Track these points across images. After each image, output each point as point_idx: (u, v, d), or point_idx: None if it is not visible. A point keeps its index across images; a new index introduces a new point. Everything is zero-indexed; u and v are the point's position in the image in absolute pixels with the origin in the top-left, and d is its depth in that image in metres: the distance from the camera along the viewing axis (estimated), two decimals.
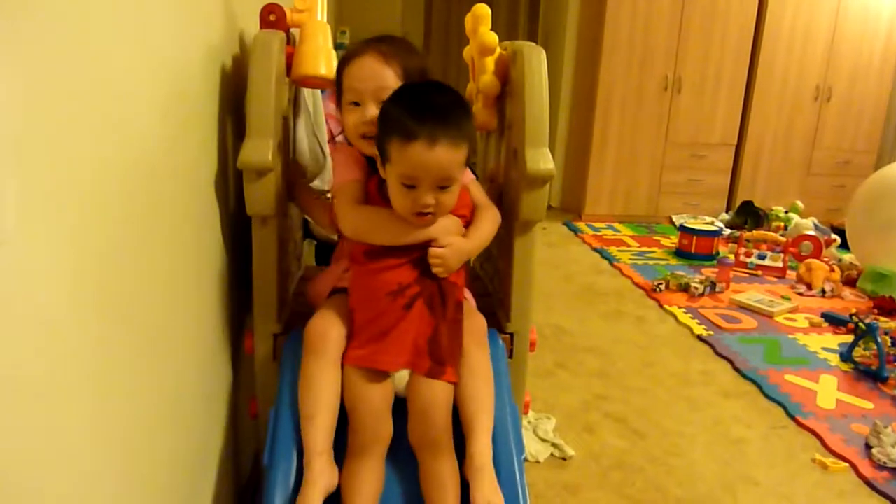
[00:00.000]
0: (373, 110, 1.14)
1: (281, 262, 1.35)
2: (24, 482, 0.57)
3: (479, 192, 1.27)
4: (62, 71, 0.63)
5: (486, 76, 1.39)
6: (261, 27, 1.31)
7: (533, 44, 1.32)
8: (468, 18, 1.45)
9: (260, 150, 1.16)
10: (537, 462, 1.85)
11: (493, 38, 1.39)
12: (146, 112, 0.88)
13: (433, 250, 1.10)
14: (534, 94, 1.26)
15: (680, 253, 4.05)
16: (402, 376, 1.12)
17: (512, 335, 1.39)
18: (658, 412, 2.18)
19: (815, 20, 4.78)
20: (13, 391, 0.55)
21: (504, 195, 1.40)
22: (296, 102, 1.55)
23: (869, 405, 2.26)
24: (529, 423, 2.00)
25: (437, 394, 1.09)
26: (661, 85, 4.73)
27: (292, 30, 1.39)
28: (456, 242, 1.12)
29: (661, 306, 3.17)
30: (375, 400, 1.10)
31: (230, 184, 1.35)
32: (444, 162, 1.03)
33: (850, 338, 2.70)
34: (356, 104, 1.17)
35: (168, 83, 0.96)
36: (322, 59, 1.33)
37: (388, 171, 1.08)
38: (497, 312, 1.45)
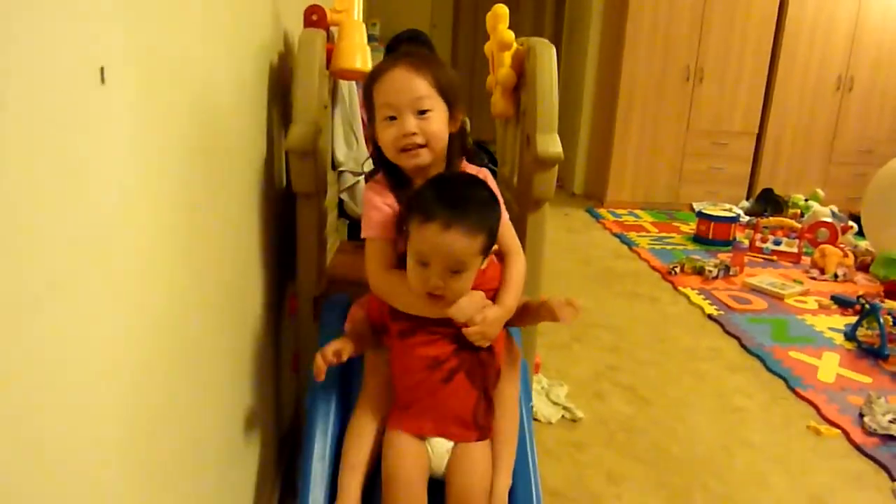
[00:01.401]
0: (411, 122, 1.13)
1: (320, 234, 1.53)
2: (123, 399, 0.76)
3: (510, 235, 1.24)
4: (174, 65, 0.82)
5: (503, 69, 1.56)
6: (304, 26, 1.49)
7: (545, 40, 1.48)
8: (489, 17, 1.62)
9: (304, 135, 1.35)
10: (549, 423, 2.02)
11: (510, 35, 1.55)
12: (221, 96, 1.06)
13: (468, 331, 1.10)
14: (544, 86, 1.42)
15: (698, 239, 4.17)
16: (440, 451, 1.14)
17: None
18: (665, 382, 2.34)
19: (837, 10, 4.83)
20: (119, 310, 0.74)
21: (518, 176, 1.57)
22: (334, 93, 1.73)
23: (868, 380, 2.39)
24: (543, 388, 2.17)
25: (477, 458, 1.13)
26: (683, 75, 4.83)
27: (332, 28, 1.56)
28: (488, 316, 1.11)
29: (675, 288, 3.31)
30: (413, 471, 1.11)
31: (274, 164, 1.54)
32: (455, 247, 1.03)
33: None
34: (392, 118, 1.14)
35: (231, 75, 1.14)
36: (358, 54, 1.51)
37: (408, 246, 1.09)
38: None
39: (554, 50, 1.44)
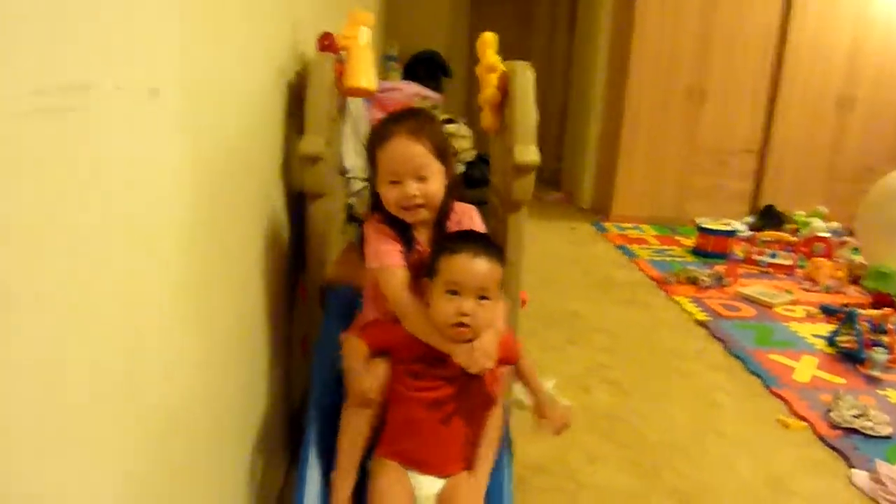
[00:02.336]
0: (412, 186, 1.27)
1: (328, 231, 1.75)
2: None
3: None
4: (217, 84, 1.04)
5: (489, 89, 1.77)
6: (317, 50, 1.72)
7: (525, 63, 1.68)
8: (478, 43, 1.83)
9: (314, 142, 1.57)
10: None
11: (496, 58, 1.76)
12: (243, 106, 1.29)
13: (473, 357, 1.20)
14: (523, 102, 1.63)
15: (697, 252, 4.33)
16: (428, 491, 1.21)
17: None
18: (648, 378, 2.52)
19: (838, 30, 5.00)
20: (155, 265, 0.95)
21: (501, 182, 1.78)
22: (343, 108, 1.96)
23: (842, 381, 2.55)
24: None
25: (466, 490, 1.22)
26: (687, 93, 5.02)
27: (341, 52, 1.79)
28: (484, 342, 1.22)
29: (669, 296, 3.48)
30: (402, 500, 1.19)
31: (290, 169, 1.76)
32: (484, 271, 1.19)
33: None
34: (395, 182, 1.28)
35: (254, 91, 1.37)
36: (363, 75, 1.73)
37: (434, 283, 1.22)
38: None
39: (531, 72, 1.64)
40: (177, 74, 0.92)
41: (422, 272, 1.29)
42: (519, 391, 2.17)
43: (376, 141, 1.31)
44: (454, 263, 1.20)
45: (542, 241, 4.63)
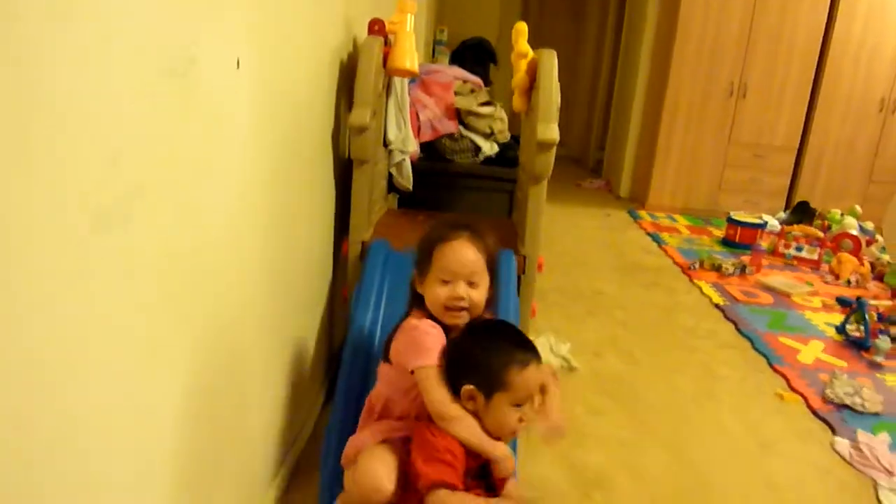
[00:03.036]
0: (463, 288, 1.31)
1: (370, 194, 2.00)
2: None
3: None
4: (284, 61, 1.29)
5: (519, 74, 1.99)
6: (368, 33, 1.96)
7: (551, 51, 1.90)
8: (513, 32, 2.05)
9: (362, 115, 1.81)
10: None
11: (527, 46, 1.98)
12: (303, 83, 1.54)
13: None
14: (546, 86, 1.84)
15: (726, 242, 4.47)
16: None
17: (525, 257, 1.98)
18: (659, 351, 2.71)
19: (884, 32, 5.02)
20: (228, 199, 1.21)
21: (523, 154, 1.99)
22: (389, 88, 2.20)
23: (843, 364, 2.70)
24: (550, 343, 2.57)
25: None
26: (728, 89, 5.12)
27: (389, 35, 2.02)
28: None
29: (691, 281, 3.64)
30: None
31: (340, 138, 2.01)
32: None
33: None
34: (446, 282, 1.31)
35: (311, 68, 1.62)
36: (408, 58, 1.97)
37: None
38: (516, 241, 2.05)
39: (555, 58, 1.86)
40: (255, 49, 1.17)
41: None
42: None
43: (436, 240, 1.34)
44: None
45: (580, 226, 4.83)
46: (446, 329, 1.32)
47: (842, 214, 4.97)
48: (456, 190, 2.67)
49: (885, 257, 4.19)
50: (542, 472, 1.83)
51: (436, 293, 1.31)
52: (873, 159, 5.32)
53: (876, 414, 2.30)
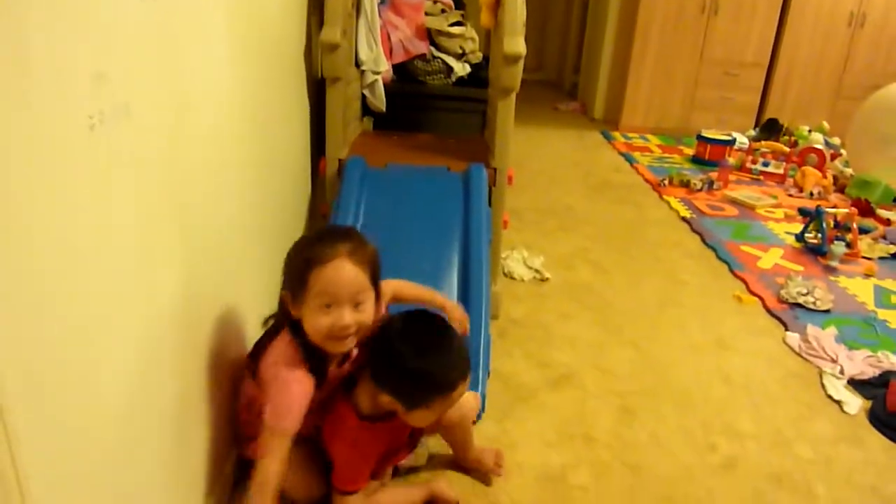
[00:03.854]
0: (349, 315, 1.18)
1: (344, 113, 2.06)
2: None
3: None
4: None
5: None
6: None
7: None
8: None
9: (332, 33, 1.85)
10: (522, 280, 2.56)
11: None
12: (275, 3, 1.58)
13: None
14: (512, 2, 1.89)
15: (696, 160, 4.57)
16: None
17: (495, 169, 2.06)
18: (627, 261, 2.84)
19: None
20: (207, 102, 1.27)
21: (492, 70, 2.05)
22: (358, 8, 2.22)
23: (800, 268, 2.85)
24: (523, 256, 2.69)
25: None
26: (699, 6, 5.12)
27: None
28: None
29: (661, 197, 3.76)
30: None
31: (312, 56, 2.05)
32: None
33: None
34: (328, 306, 1.17)
35: None
36: None
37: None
38: (487, 155, 2.13)
39: None
40: None
41: (336, 389, 1.31)
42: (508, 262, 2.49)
43: (314, 262, 1.17)
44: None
45: (554, 146, 4.90)
46: (324, 354, 1.24)
47: (809, 131, 5.08)
48: (429, 111, 2.73)
49: (848, 170, 4.33)
50: (513, 368, 1.97)
51: (318, 322, 1.18)
52: (842, 74, 5.39)
53: (826, 311, 2.46)
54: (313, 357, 1.23)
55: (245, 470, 1.26)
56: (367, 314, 1.22)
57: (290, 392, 1.18)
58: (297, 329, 1.23)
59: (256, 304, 1.53)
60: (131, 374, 0.92)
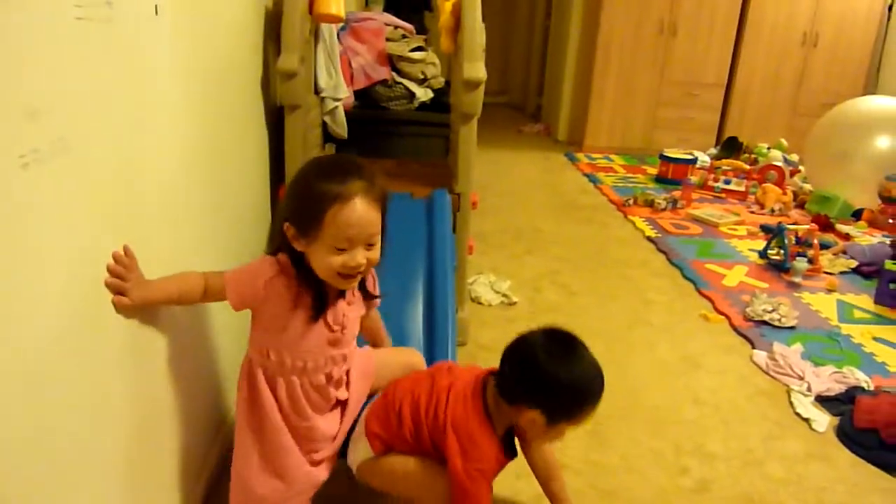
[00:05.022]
0: (363, 255, 1.14)
1: (304, 141, 2.02)
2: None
3: None
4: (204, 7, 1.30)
5: (444, 15, 2.02)
6: None
7: None
8: None
9: (290, 60, 1.83)
10: (490, 305, 2.53)
11: None
12: (227, 28, 1.54)
13: None
14: (471, 26, 1.88)
15: (659, 179, 4.62)
16: None
17: (459, 195, 2.04)
18: (594, 281, 2.84)
19: None
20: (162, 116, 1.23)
21: (453, 96, 2.04)
22: (317, 34, 2.20)
23: (765, 285, 2.88)
24: (490, 282, 2.67)
25: None
26: (658, 28, 5.22)
27: None
28: None
29: (625, 217, 3.78)
30: None
31: (269, 84, 2.02)
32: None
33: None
34: (342, 249, 1.13)
35: (235, 15, 1.62)
36: (333, 3, 1.97)
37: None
38: (451, 181, 2.11)
39: None
40: None
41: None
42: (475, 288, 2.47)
43: (326, 200, 1.10)
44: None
45: (520, 169, 4.92)
46: (319, 280, 1.18)
47: (768, 148, 5.19)
48: (392, 137, 2.71)
49: (807, 186, 4.42)
50: None
51: (328, 261, 1.13)
52: (797, 92, 5.53)
53: (792, 328, 2.48)
54: (309, 280, 1.17)
55: None
56: (377, 251, 1.19)
57: (254, 271, 1.18)
58: (299, 262, 1.17)
59: (224, 341, 1.48)
60: None
